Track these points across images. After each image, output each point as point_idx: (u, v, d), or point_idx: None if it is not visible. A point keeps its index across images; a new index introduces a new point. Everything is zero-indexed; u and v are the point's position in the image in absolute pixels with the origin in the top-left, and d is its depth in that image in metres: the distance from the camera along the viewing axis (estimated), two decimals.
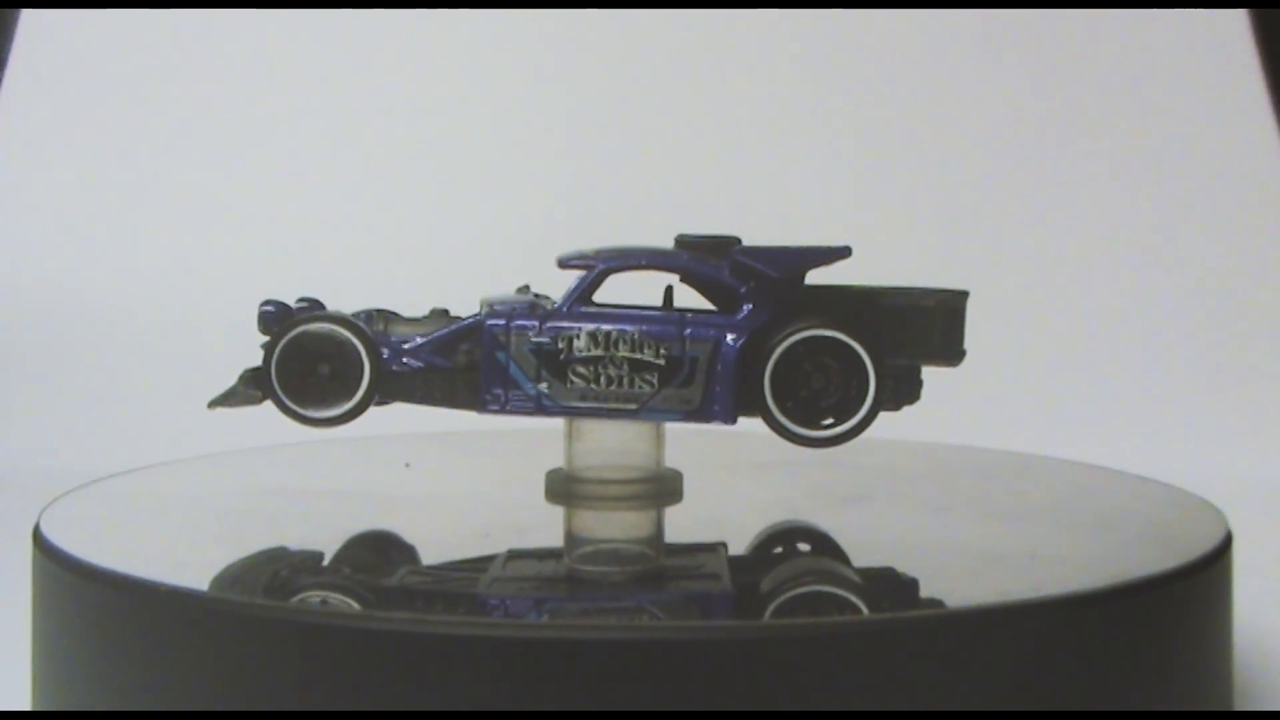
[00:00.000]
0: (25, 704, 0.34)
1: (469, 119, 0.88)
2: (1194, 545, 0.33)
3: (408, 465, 0.46)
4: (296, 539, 0.38)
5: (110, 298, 0.82)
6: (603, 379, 0.34)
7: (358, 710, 0.27)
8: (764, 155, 0.86)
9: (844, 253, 0.34)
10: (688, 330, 0.34)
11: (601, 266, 0.35)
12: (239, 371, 0.36)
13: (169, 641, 0.29)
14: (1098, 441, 0.71)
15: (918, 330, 0.35)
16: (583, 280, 0.35)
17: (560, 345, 0.34)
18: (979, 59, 0.87)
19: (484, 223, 0.84)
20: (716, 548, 0.37)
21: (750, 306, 0.34)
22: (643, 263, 0.35)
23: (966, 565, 0.35)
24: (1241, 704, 0.35)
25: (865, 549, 0.37)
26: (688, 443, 0.37)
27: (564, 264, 0.35)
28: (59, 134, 0.88)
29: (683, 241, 0.36)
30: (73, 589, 0.31)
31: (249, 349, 0.38)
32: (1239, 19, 0.87)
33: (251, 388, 0.36)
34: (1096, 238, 0.84)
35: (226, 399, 0.36)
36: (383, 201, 0.86)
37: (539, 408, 0.34)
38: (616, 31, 0.88)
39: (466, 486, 0.46)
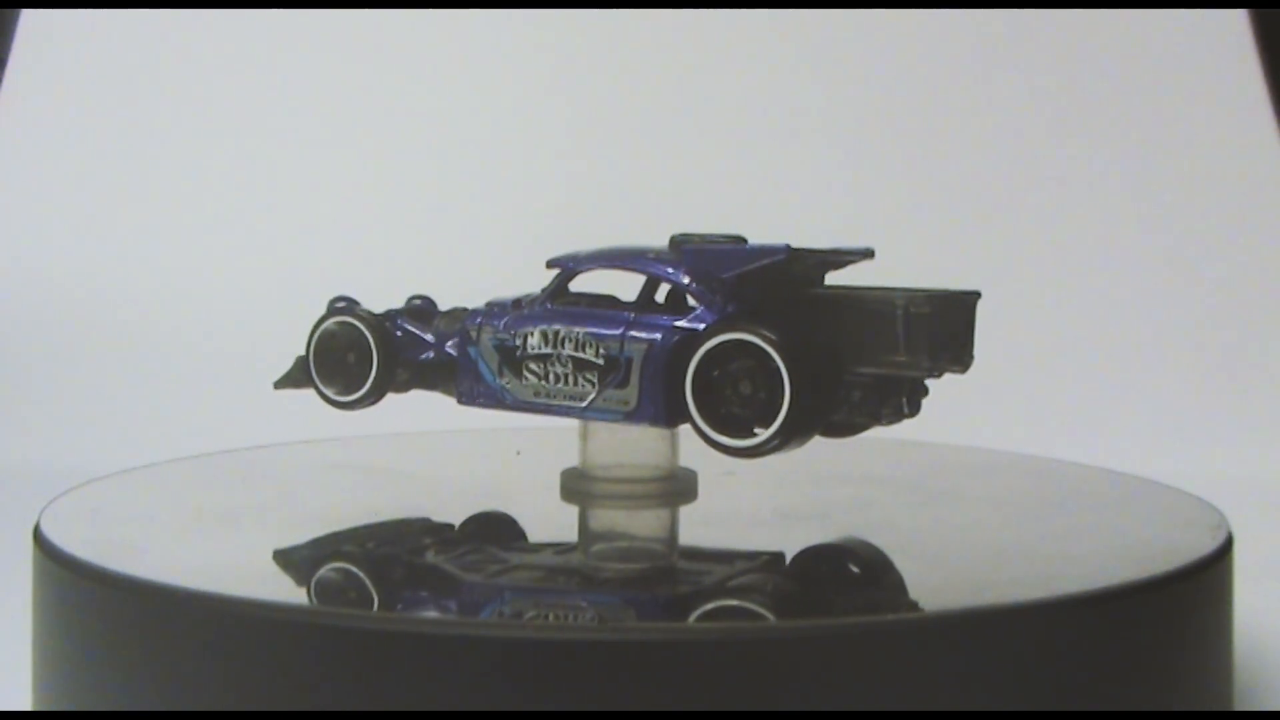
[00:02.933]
0: (25, 704, 0.34)
1: (479, 119, 0.88)
2: (1195, 546, 0.33)
3: (519, 453, 0.46)
4: (305, 535, 0.38)
5: (110, 297, 0.82)
6: (551, 376, 0.34)
7: (358, 710, 0.27)
8: (772, 154, 0.86)
9: (779, 252, 0.33)
10: (628, 331, 0.33)
11: (570, 267, 0.36)
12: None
13: (169, 641, 0.29)
14: (1098, 441, 0.71)
15: (881, 335, 0.32)
16: (552, 281, 0.36)
17: (517, 342, 0.35)
18: (978, 60, 0.87)
19: (505, 221, 0.84)
20: (758, 556, 0.36)
21: (701, 308, 0.33)
22: (607, 264, 0.35)
23: (966, 566, 0.35)
24: (1241, 704, 0.35)
25: (865, 551, 0.37)
26: None
27: (549, 265, 0.36)
28: (59, 134, 0.88)
29: (676, 241, 0.35)
30: (73, 589, 0.31)
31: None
32: (1239, 19, 0.87)
33: (299, 371, 0.39)
34: (1096, 238, 0.84)
35: (285, 381, 0.39)
36: (387, 203, 0.86)
37: (499, 402, 0.36)
38: (623, 33, 0.88)
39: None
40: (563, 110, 0.88)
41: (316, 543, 0.37)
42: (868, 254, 0.34)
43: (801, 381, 0.31)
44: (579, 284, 0.36)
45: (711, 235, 0.35)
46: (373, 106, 0.88)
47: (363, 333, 0.37)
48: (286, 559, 0.36)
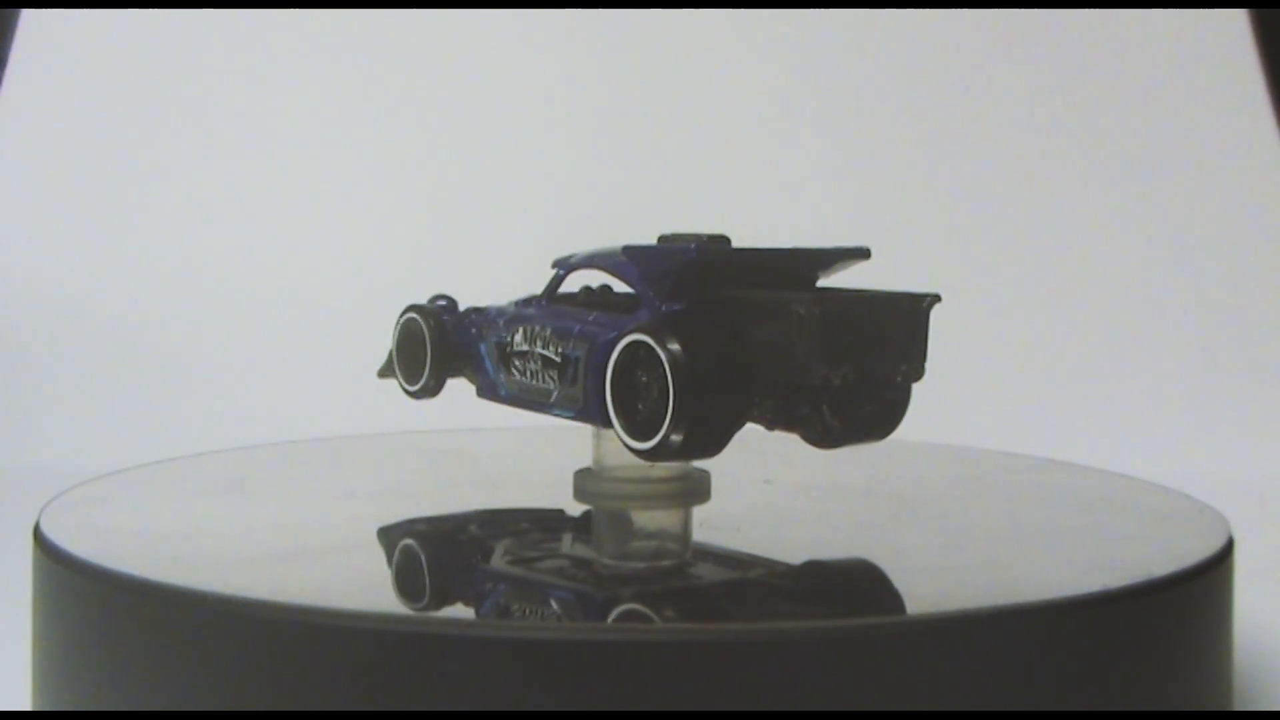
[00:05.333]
0: (25, 704, 0.34)
1: (491, 119, 0.88)
2: (1196, 549, 0.33)
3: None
4: (303, 535, 0.38)
5: (110, 298, 0.83)
6: (528, 373, 0.35)
7: (358, 710, 0.27)
8: (781, 153, 0.86)
9: (685, 253, 0.32)
10: (580, 330, 0.33)
11: (562, 270, 0.36)
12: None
13: (169, 641, 0.29)
14: (1097, 442, 0.71)
15: (780, 339, 0.30)
16: (550, 281, 0.36)
17: (508, 339, 0.36)
18: (977, 59, 0.87)
19: (521, 219, 0.84)
20: (774, 562, 0.36)
21: (645, 309, 0.33)
22: (586, 265, 0.36)
23: (967, 567, 0.35)
24: (1241, 704, 0.35)
25: (863, 553, 0.37)
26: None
27: (552, 265, 0.37)
28: (59, 134, 0.88)
29: (663, 241, 0.35)
30: (73, 589, 0.31)
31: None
32: (1239, 19, 0.87)
33: (391, 362, 0.41)
34: (1096, 238, 0.84)
35: (383, 370, 0.41)
36: (386, 202, 0.86)
37: (497, 396, 0.37)
38: (628, 34, 0.88)
39: None
40: (577, 110, 0.88)
41: (414, 521, 0.39)
42: (862, 253, 0.33)
43: (685, 385, 0.30)
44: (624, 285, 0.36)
45: (693, 235, 0.34)
46: (373, 107, 0.88)
47: (422, 329, 0.39)
48: (385, 533, 0.38)
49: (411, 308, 0.40)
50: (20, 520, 0.36)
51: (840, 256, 0.33)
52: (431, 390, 0.39)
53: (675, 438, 0.30)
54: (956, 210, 0.85)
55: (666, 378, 0.30)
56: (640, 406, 0.31)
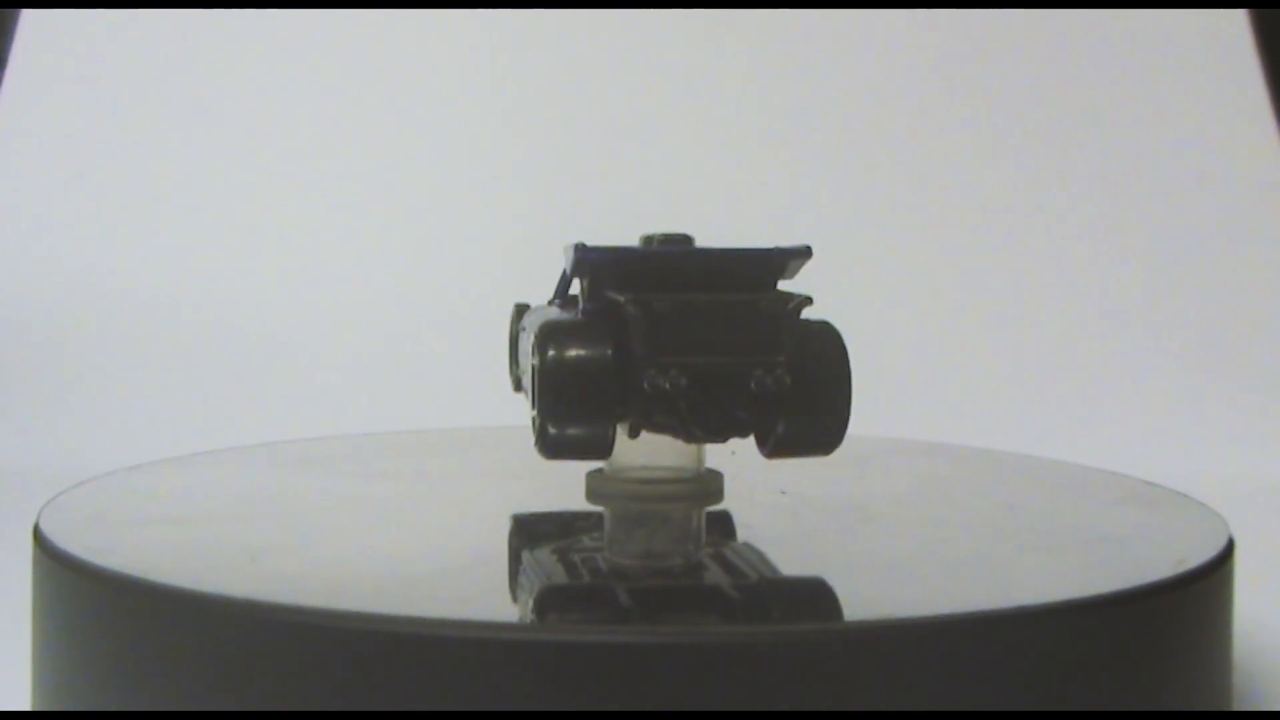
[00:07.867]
0: (25, 704, 0.34)
1: (496, 120, 0.88)
2: (1195, 552, 0.33)
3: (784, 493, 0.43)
4: (306, 533, 0.38)
5: (111, 297, 0.83)
6: (523, 369, 0.35)
7: (358, 710, 0.27)
8: (783, 155, 0.86)
9: (574, 250, 0.31)
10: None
11: (565, 271, 0.37)
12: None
13: (169, 641, 0.29)
14: (1097, 442, 0.71)
15: (630, 340, 0.29)
16: (559, 280, 0.37)
17: (523, 336, 0.36)
18: (976, 58, 0.87)
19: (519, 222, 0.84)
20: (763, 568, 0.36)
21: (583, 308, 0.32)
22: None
23: (967, 570, 0.35)
24: (1241, 704, 0.35)
25: (859, 552, 0.37)
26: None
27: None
28: (59, 134, 0.88)
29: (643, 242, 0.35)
30: (73, 589, 0.31)
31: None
32: (1239, 19, 0.87)
33: None
34: (1095, 237, 0.84)
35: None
36: (382, 204, 0.86)
37: (520, 389, 0.37)
38: (630, 36, 0.88)
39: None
40: (582, 114, 0.88)
41: (548, 515, 0.40)
42: (803, 253, 0.31)
43: (546, 384, 0.30)
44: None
45: (663, 235, 0.34)
46: (375, 108, 0.88)
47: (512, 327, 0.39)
48: (518, 522, 0.39)
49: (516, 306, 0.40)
50: (20, 520, 0.36)
51: (781, 256, 0.32)
52: (519, 384, 0.40)
53: (551, 432, 0.30)
54: (956, 208, 0.85)
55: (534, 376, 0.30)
56: None
